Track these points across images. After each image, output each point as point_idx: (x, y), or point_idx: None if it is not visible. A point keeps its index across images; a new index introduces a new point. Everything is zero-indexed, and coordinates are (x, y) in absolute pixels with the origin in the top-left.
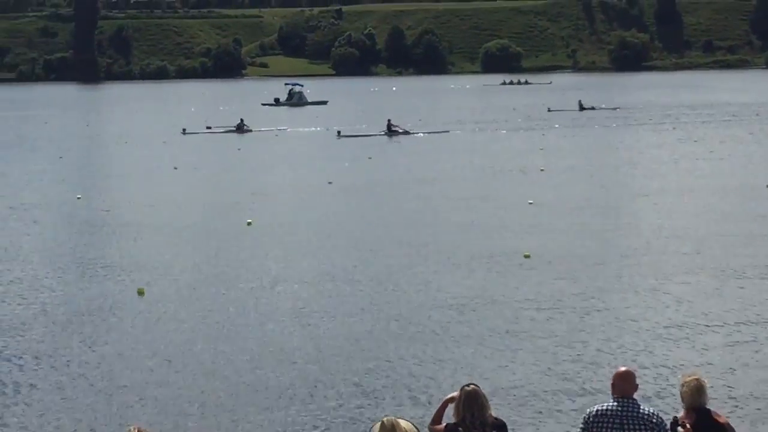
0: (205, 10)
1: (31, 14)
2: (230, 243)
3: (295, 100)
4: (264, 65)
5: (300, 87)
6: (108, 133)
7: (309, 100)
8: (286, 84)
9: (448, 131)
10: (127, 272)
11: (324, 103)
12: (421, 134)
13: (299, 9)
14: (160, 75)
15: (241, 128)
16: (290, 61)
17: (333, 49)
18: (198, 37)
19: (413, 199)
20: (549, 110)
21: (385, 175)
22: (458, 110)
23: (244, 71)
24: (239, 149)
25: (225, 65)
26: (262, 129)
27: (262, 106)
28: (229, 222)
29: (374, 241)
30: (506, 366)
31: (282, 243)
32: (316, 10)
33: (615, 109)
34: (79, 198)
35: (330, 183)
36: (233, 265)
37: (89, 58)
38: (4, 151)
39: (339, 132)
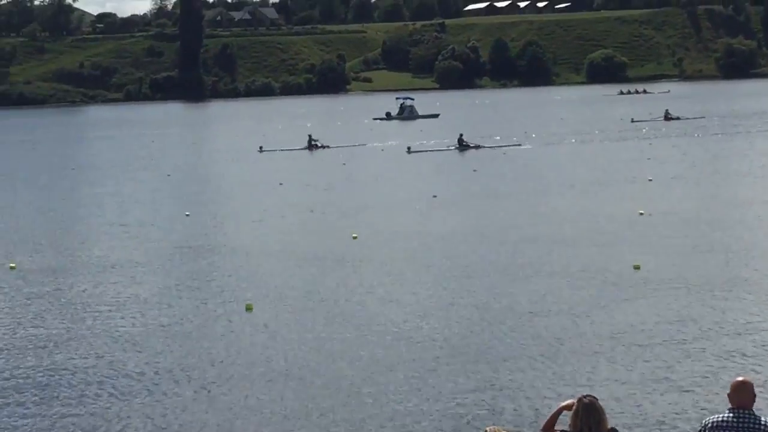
0: (308, 27)
1: (137, 34)
2: (336, 257)
3: (407, 114)
4: (368, 80)
5: (411, 101)
6: (213, 150)
7: (420, 114)
8: (397, 98)
9: (520, 145)
10: (236, 287)
11: (435, 116)
12: (494, 148)
13: (402, 23)
14: (264, 92)
15: (311, 145)
16: (394, 75)
17: (436, 62)
18: (302, 54)
19: (519, 211)
20: (632, 121)
21: (487, 187)
22: (549, 122)
23: (348, 86)
24: (344, 164)
25: (329, 81)
26: (342, 145)
27: (373, 121)
28: (334, 236)
29: (482, 254)
30: (620, 377)
31: (388, 256)
32: (419, 23)
33: (700, 118)
34: (187, 215)
35: (435, 197)
36: (340, 279)
37: (195, 76)
38: (114, 170)
39: (409, 148)
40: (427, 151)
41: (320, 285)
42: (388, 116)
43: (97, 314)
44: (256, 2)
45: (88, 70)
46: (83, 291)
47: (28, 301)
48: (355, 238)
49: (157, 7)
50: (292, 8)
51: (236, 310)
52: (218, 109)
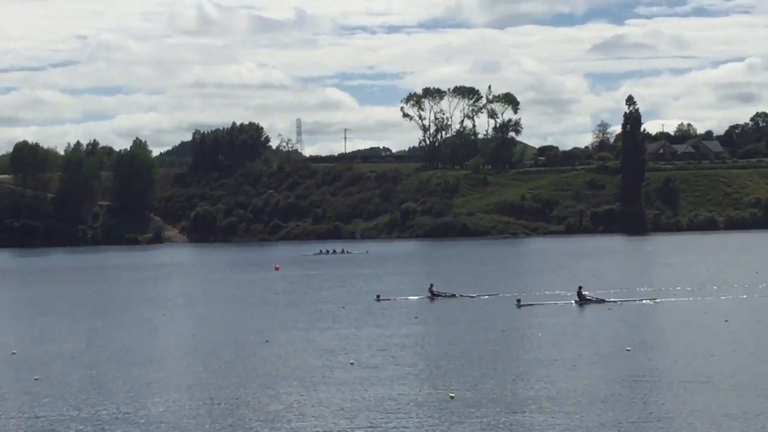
0: (754, 160)
1: (579, 167)
2: None
3: None
4: None
5: None
6: (654, 283)
7: None
8: None
9: (654, 300)
10: (680, 422)
11: None
12: (616, 302)
13: None
14: (708, 226)
15: (432, 294)
16: None
17: None
18: (747, 188)
19: None
20: None
21: None
22: None
23: None
24: None
25: None
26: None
27: None
28: None
29: None
30: None
31: None
32: None
33: None
34: (628, 350)
35: None
36: None
37: (636, 209)
38: (554, 302)
39: (519, 300)
40: (538, 304)
41: None
42: None
43: None
44: (700, 135)
45: (530, 202)
46: (517, 426)
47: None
48: None
49: (599, 140)
50: (737, 141)
51: None
52: (661, 242)
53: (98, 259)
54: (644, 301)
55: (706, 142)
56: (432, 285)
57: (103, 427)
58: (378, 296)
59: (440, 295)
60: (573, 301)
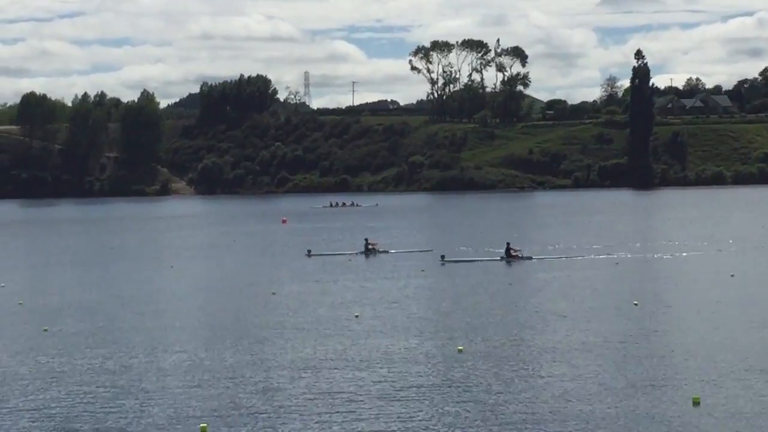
0: (762, 115)
1: (587, 121)
2: None
3: None
4: None
5: None
6: (663, 239)
7: None
8: None
9: (575, 257)
10: (683, 380)
11: None
12: (539, 259)
13: None
14: (716, 181)
15: (368, 250)
16: None
17: None
18: (755, 142)
19: None
20: None
21: None
22: None
23: None
24: None
25: None
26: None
27: None
28: None
29: None
30: None
31: None
32: None
33: None
34: (636, 304)
35: None
36: None
37: (644, 164)
38: (560, 256)
39: (443, 257)
40: (461, 261)
41: None
42: None
43: (535, 398)
44: (708, 90)
45: (537, 156)
46: (523, 377)
47: (474, 383)
48: None
49: (607, 94)
50: (745, 95)
51: (682, 404)
52: (668, 197)
53: (105, 211)
54: (592, 257)
55: (715, 96)
56: (367, 239)
57: (112, 378)
58: (309, 251)
59: (377, 251)
60: (499, 258)
